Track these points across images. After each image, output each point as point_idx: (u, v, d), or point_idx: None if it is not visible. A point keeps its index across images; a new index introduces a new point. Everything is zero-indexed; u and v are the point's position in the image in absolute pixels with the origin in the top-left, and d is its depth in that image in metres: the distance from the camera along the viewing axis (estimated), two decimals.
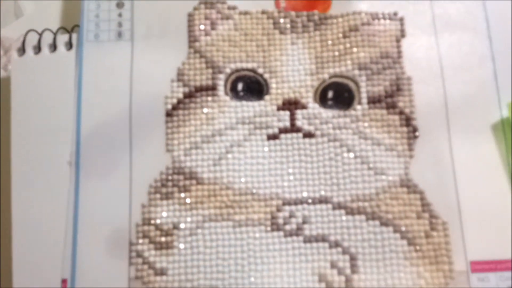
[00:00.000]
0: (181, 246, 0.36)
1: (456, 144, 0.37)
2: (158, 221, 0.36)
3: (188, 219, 0.36)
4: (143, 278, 0.35)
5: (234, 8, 0.40)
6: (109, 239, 0.36)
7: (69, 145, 0.38)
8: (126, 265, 0.36)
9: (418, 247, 0.35)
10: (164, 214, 0.36)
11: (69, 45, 0.41)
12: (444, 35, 0.39)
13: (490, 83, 0.38)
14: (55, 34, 0.41)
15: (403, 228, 0.35)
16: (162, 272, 0.35)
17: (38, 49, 0.41)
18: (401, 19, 0.40)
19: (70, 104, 0.39)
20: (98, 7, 0.41)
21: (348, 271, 0.34)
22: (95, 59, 0.40)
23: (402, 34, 0.39)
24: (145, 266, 0.35)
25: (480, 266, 0.34)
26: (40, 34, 0.41)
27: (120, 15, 0.41)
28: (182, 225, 0.36)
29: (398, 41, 0.39)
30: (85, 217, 0.37)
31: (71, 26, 0.42)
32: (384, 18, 0.39)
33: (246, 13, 0.40)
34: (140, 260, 0.36)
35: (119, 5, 0.41)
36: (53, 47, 0.41)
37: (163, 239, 0.36)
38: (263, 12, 0.40)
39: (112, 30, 0.41)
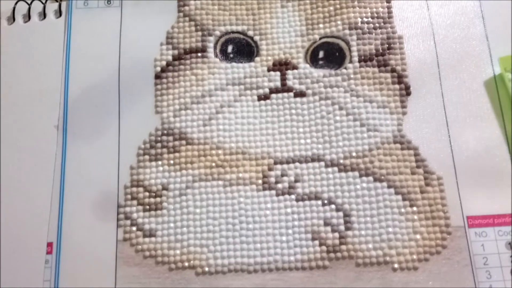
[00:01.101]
0: (170, 206, 0.35)
1: (449, 100, 0.36)
2: (146, 183, 0.35)
3: (178, 179, 0.35)
4: (131, 240, 0.34)
5: None
6: (97, 202, 0.36)
7: (57, 110, 0.38)
8: (114, 227, 0.35)
9: (413, 202, 0.34)
10: (153, 175, 0.36)
11: (59, 13, 0.41)
12: None
13: (481, 40, 0.38)
14: (44, 3, 0.41)
15: (397, 183, 0.34)
16: (150, 234, 0.34)
17: (28, 17, 0.41)
18: None
19: (59, 69, 0.39)
20: None
21: (342, 228, 0.34)
22: (84, 25, 0.40)
23: None
24: (134, 228, 0.35)
25: (477, 221, 0.34)
26: (30, 4, 0.41)
27: None
28: (171, 186, 0.35)
29: (388, 1, 0.39)
30: (72, 180, 0.36)
31: None
32: None
33: None
34: (128, 222, 0.35)
35: None
36: (43, 15, 0.41)
37: (151, 200, 0.35)
38: None
39: None
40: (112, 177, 0.36)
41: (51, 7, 0.41)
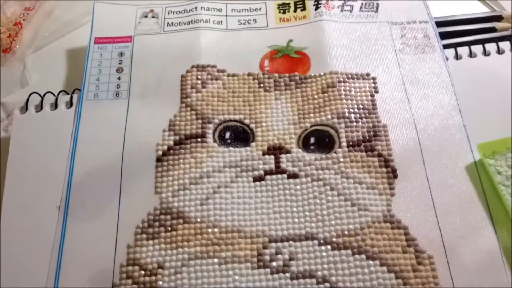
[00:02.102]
0: (165, 285, 0.35)
1: (433, 183, 0.39)
2: (142, 261, 0.36)
3: (174, 257, 0.36)
4: None
5: (223, 71, 0.45)
6: (92, 281, 0.36)
7: (60, 191, 0.40)
8: None
9: (406, 280, 0.35)
10: (150, 253, 0.36)
11: (70, 104, 0.45)
12: (413, 91, 0.44)
13: (459, 129, 0.41)
14: (57, 95, 0.45)
15: (390, 261, 0.35)
16: None
17: (40, 108, 0.44)
18: (374, 78, 0.44)
19: (65, 155, 0.41)
20: (99, 72, 0.46)
21: None
22: (92, 115, 0.43)
23: (375, 90, 0.44)
24: None
25: None
26: (42, 96, 0.45)
27: (119, 78, 0.46)
28: (167, 264, 0.36)
29: (372, 95, 0.43)
30: (69, 260, 0.37)
31: (71, 91, 0.46)
32: (358, 78, 0.44)
33: (234, 75, 0.45)
34: None
35: (119, 70, 0.46)
36: (55, 106, 0.45)
37: (147, 278, 0.36)
38: (249, 74, 0.45)
39: (111, 91, 0.45)
40: (109, 256, 0.37)
41: (63, 98, 0.45)
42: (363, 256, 0.36)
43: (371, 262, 0.35)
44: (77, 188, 0.40)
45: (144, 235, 0.37)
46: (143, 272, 0.36)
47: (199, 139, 0.41)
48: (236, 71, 0.45)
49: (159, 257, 0.36)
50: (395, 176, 0.39)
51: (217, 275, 0.35)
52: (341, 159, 0.40)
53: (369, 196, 0.38)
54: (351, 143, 0.40)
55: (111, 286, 0.36)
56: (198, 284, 0.35)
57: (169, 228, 0.37)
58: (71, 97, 0.45)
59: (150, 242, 0.37)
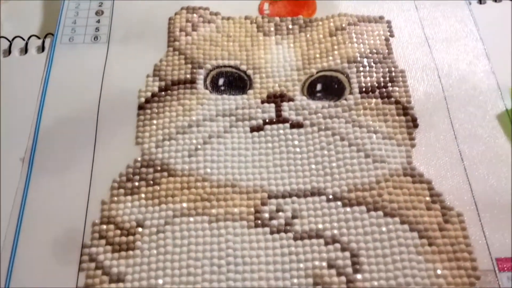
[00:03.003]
0: (145, 246, 0.30)
1: (460, 134, 0.34)
2: (119, 219, 0.31)
3: (156, 214, 0.31)
4: (94, 286, 0.29)
5: (216, 14, 0.40)
6: (58, 242, 0.31)
7: (25, 142, 0.34)
8: (74, 272, 0.30)
9: (431, 240, 0.29)
10: (127, 210, 0.31)
11: (42, 49, 0.40)
12: (434, 36, 0.39)
13: (487, 76, 0.37)
14: (27, 40, 0.40)
15: (412, 219, 0.30)
16: (118, 278, 0.29)
17: (8, 53, 0.39)
18: (388, 22, 0.40)
19: (33, 102, 0.36)
20: (76, 15, 0.41)
21: (349, 270, 0.29)
22: (66, 60, 0.39)
23: (391, 34, 0.39)
24: (98, 272, 0.29)
25: (508, 264, 0.29)
26: (11, 41, 0.40)
27: (98, 21, 0.41)
28: (147, 222, 0.31)
29: (387, 40, 0.39)
30: (31, 217, 0.32)
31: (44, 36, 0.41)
32: (370, 21, 0.39)
33: (229, 18, 0.40)
34: (92, 265, 0.30)
35: (98, 13, 0.41)
36: (24, 50, 0.39)
37: (123, 239, 0.30)
38: (246, 18, 0.40)
39: (88, 34, 0.40)
40: (79, 214, 0.32)
41: (34, 43, 0.40)
42: (380, 212, 0.30)
43: (389, 219, 0.30)
44: (44, 138, 0.35)
45: (122, 190, 0.32)
46: (119, 231, 0.31)
47: (188, 85, 0.36)
48: (232, 15, 0.40)
49: (138, 214, 0.31)
50: (416, 126, 0.34)
51: (207, 234, 0.30)
52: (353, 107, 0.35)
53: (386, 146, 0.33)
54: (364, 89, 0.36)
55: (81, 247, 0.30)
56: (184, 245, 0.30)
57: (151, 182, 0.32)
58: (43, 42, 0.40)
59: (129, 198, 0.32)
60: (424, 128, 0.34)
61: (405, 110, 0.35)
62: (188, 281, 0.29)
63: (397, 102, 0.35)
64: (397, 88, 0.36)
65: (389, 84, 0.36)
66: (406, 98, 0.35)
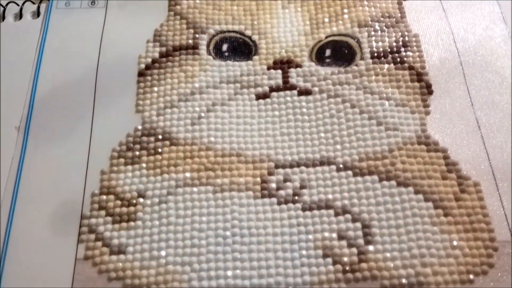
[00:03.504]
0: (146, 217, 0.29)
1: (477, 101, 0.32)
2: (119, 189, 0.30)
3: (157, 185, 0.30)
4: (94, 258, 0.28)
5: None
6: (55, 213, 0.30)
7: (21, 110, 0.33)
8: (73, 243, 0.29)
9: (447, 211, 0.28)
10: (128, 180, 0.30)
11: (37, 15, 0.38)
12: None
13: (505, 41, 0.35)
14: (21, 5, 0.38)
15: (426, 189, 0.29)
16: (119, 250, 0.28)
17: (2, 18, 0.38)
18: None
19: (29, 69, 0.35)
20: None
21: (360, 241, 0.28)
22: (63, 25, 0.37)
23: None
24: (98, 243, 0.28)
25: None
26: (5, 7, 0.38)
27: None
28: (149, 193, 0.30)
29: (399, 3, 0.37)
30: (28, 187, 0.30)
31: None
32: None
33: None
34: (92, 237, 0.29)
35: None
36: (19, 16, 0.38)
37: (124, 209, 0.29)
38: None
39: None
40: (78, 184, 0.30)
41: (29, 9, 0.38)
42: (393, 182, 0.29)
43: (403, 189, 0.29)
44: (40, 106, 0.33)
45: (122, 160, 0.31)
46: (119, 202, 0.29)
47: (190, 51, 0.35)
48: None
49: (139, 184, 0.30)
50: (430, 92, 0.33)
51: (211, 205, 0.29)
52: (364, 72, 0.33)
53: (399, 114, 0.32)
54: (376, 54, 0.34)
55: (80, 218, 0.29)
56: (188, 216, 0.29)
57: (153, 151, 0.31)
58: (38, 7, 0.38)
59: (129, 167, 0.31)
60: (439, 95, 0.33)
61: (419, 76, 0.33)
62: (192, 253, 0.28)
63: (410, 68, 0.33)
64: (410, 53, 0.34)
65: (402, 49, 0.34)
66: (420, 64, 0.34)
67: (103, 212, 0.29)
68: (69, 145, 0.32)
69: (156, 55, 0.35)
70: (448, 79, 0.33)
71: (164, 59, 0.34)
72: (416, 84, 0.33)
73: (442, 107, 0.32)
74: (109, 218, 0.29)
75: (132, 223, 0.29)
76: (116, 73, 0.34)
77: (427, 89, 0.33)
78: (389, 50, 0.34)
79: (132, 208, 0.29)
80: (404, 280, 0.26)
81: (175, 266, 0.27)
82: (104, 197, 0.30)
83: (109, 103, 0.33)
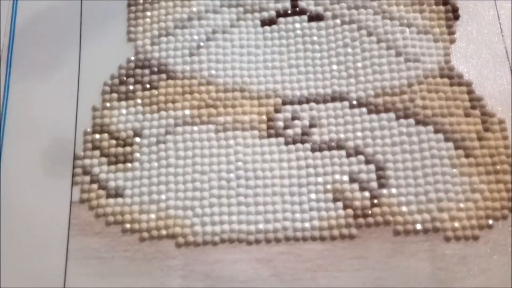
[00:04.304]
0: (144, 158, 0.27)
1: (507, 28, 0.29)
2: (113, 128, 0.28)
3: (155, 123, 0.28)
4: (91, 201, 0.27)
5: None
6: (46, 152, 0.28)
7: (1, 39, 0.30)
8: (68, 185, 0.27)
9: (468, 151, 0.26)
10: (122, 118, 0.28)
11: None
12: None
13: None
14: None
15: (447, 127, 0.27)
16: (117, 193, 0.27)
17: None
18: None
19: None
20: None
21: (374, 185, 0.26)
22: None
23: None
24: (94, 186, 0.27)
25: None
26: None
27: None
28: (146, 131, 0.28)
29: None
30: (15, 124, 0.29)
31: None
32: None
33: None
34: (87, 179, 0.27)
35: None
36: None
37: (119, 150, 0.28)
38: None
39: None
40: (69, 121, 0.29)
41: None
42: (411, 120, 0.27)
43: (421, 128, 0.27)
44: (22, 34, 0.31)
45: (115, 95, 0.29)
46: (114, 141, 0.28)
47: None
48: None
49: (135, 122, 0.28)
50: (456, 17, 0.30)
51: (213, 145, 0.27)
52: None
53: (421, 43, 0.29)
54: None
55: (73, 159, 0.28)
56: (188, 157, 0.27)
57: (148, 86, 0.29)
58: None
59: (123, 103, 0.29)
60: (466, 20, 0.30)
61: None
62: (194, 197, 0.26)
63: None
64: None
65: None
66: None
67: (97, 152, 0.28)
68: (56, 78, 0.29)
69: None
70: (477, 2, 0.30)
71: None
72: (441, 7, 0.30)
73: (469, 35, 0.29)
74: (104, 159, 0.28)
75: (129, 165, 0.27)
76: None
77: (453, 14, 0.30)
78: None
79: (128, 148, 0.28)
80: (419, 226, 0.25)
81: (177, 210, 0.26)
82: (98, 135, 0.28)
83: (98, 30, 0.30)
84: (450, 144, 0.27)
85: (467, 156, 0.26)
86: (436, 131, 0.27)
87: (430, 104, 0.27)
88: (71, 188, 0.27)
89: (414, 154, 0.27)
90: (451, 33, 0.29)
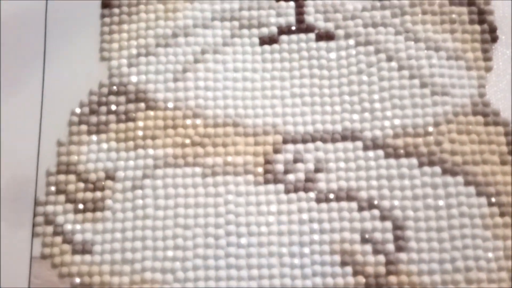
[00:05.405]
0: (117, 206, 0.24)
1: None
2: (82, 168, 0.25)
3: (131, 163, 0.25)
4: (54, 258, 0.24)
5: None
6: (4, 193, 0.25)
7: None
8: (27, 237, 0.24)
9: (504, 209, 0.23)
10: (92, 156, 0.25)
11: None
12: None
13: None
14: None
15: (480, 179, 0.23)
16: (84, 249, 0.24)
17: None
18: None
19: None
20: None
21: (390, 247, 0.23)
22: None
23: None
24: (58, 239, 0.24)
25: None
26: None
27: None
28: (119, 174, 0.24)
29: None
30: None
31: None
32: None
33: None
34: (50, 229, 0.24)
35: None
36: None
37: (88, 195, 0.24)
38: None
39: None
40: (30, 157, 0.25)
41: None
42: (437, 168, 0.24)
43: (449, 178, 0.24)
44: None
45: (84, 127, 0.25)
46: (82, 184, 0.25)
47: None
48: None
49: (107, 161, 0.25)
50: (494, 39, 0.26)
51: (200, 193, 0.24)
52: (407, 9, 0.26)
53: (451, 71, 0.25)
54: None
55: (33, 204, 0.24)
56: (170, 207, 0.24)
57: (124, 117, 0.25)
58: None
59: (94, 138, 0.25)
60: (505, 43, 0.26)
61: (481, 15, 0.26)
62: (175, 257, 0.23)
63: (471, 4, 0.26)
64: None
65: None
66: None
67: (62, 198, 0.25)
68: (14, 103, 0.26)
69: None
70: None
71: None
72: (477, 27, 0.26)
73: (508, 61, 0.25)
74: (70, 206, 0.24)
75: (99, 214, 0.24)
76: (72, 2, 0.27)
77: (491, 35, 0.26)
78: None
79: (98, 194, 0.24)
80: None
81: (154, 273, 0.23)
82: (63, 177, 0.25)
83: (65, 46, 0.26)
84: (483, 200, 0.23)
85: (502, 214, 0.23)
86: (467, 183, 0.23)
87: (460, 149, 0.24)
88: (31, 240, 0.24)
89: (439, 212, 0.23)
90: (487, 59, 0.25)
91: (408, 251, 0.22)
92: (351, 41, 0.26)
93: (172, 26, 0.26)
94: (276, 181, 0.24)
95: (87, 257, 0.23)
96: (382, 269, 0.22)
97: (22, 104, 0.25)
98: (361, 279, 0.22)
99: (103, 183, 0.24)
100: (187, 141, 0.24)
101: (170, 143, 0.24)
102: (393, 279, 0.22)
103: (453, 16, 0.26)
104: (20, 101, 0.25)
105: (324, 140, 0.24)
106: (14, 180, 0.25)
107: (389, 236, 0.23)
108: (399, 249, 0.23)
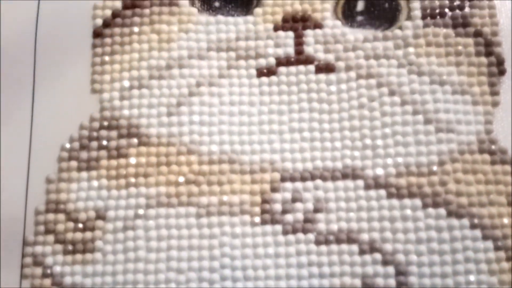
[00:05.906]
0: (108, 247, 0.23)
1: None
2: (71, 207, 0.24)
3: (122, 202, 0.24)
4: None
5: None
6: None
7: None
8: (15, 279, 0.23)
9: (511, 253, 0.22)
10: (82, 194, 0.24)
11: None
12: None
13: None
14: None
15: (487, 222, 0.22)
16: None
17: None
18: None
19: None
20: None
21: None
22: None
23: None
24: (47, 281, 0.23)
25: None
26: None
27: None
28: (111, 213, 0.23)
29: None
30: None
31: None
32: None
33: None
34: (38, 271, 0.23)
35: None
36: None
37: (78, 235, 0.23)
38: None
39: None
40: (18, 194, 0.24)
41: None
42: (442, 210, 0.23)
43: (455, 221, 0.23)
44: None
45: (74, 163, 0.24)
46: (71, 224, 0.24)
47: (165, 1, 0.26)
48: None
49: (98, 200, 0.24)
50: (502, 72, 0.25)
51: (194, 234, 0.23)
52: (411, 40, 0.25)
53: (456, 106, 0.24)
54: (428, 11, 0.25)
55: (22, 244, 0.23)
56: (162, 249, 0.23)
57: (115, 153, 0.24)
58: None
59: (84, 175, 0.24)
60: None
61: (488, 46, 0.25)
62: None
63: (477, 34, 0.25)
64: (477, 11, 0.25)
65: (467, 4, 0.25)
66: (491, 28, 0.25)
67: (51, 238, 0.24)
68: (2, 137, 0.25)
69: (119, 5, 0.26)
70: None
71: (129, 11, 0.26)
72: (483, 59, 0.25)
73: None
74: (59, 247, 0.23)
75: (89, 256, 0.23)
76: (62, 32, 0.26)
77: (498, 67, 0.25)
78: (448, 4, 0.25)
79: (88, 234, 0.23)
80: None
81: None
82: (52, 216, 0.24)
83: (54, 78, 0.26)
84: (489, 244, 0.22)
85: (508, 259, 0.22)
86: (473, 227, 0.22)
87: (466, 190, 0.23)
88: (20, 282, 0.23)
89: (444, 256, 0.22)
90: (494, 93, 0.24)
91: None
92: (352, 74, 0.25)
93: (166, 57, 0.25)
94: (273, 221, 0.23)
95: None
96: None
97: (10, 139, 0.24)
98: None
99: (93, 223, 0.23)
100: (181, 179, 0.24)
101: (164, 181, 0.24)
102: None
103: (459, 48, 0.25)
104: (7, 135, 0.25)
105: (323, 178, 0.23)
106: (1, 218, 0.24)
107: (392, 282, 0.22)
108: None
